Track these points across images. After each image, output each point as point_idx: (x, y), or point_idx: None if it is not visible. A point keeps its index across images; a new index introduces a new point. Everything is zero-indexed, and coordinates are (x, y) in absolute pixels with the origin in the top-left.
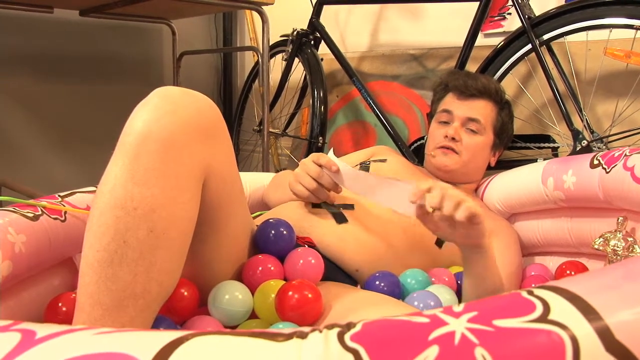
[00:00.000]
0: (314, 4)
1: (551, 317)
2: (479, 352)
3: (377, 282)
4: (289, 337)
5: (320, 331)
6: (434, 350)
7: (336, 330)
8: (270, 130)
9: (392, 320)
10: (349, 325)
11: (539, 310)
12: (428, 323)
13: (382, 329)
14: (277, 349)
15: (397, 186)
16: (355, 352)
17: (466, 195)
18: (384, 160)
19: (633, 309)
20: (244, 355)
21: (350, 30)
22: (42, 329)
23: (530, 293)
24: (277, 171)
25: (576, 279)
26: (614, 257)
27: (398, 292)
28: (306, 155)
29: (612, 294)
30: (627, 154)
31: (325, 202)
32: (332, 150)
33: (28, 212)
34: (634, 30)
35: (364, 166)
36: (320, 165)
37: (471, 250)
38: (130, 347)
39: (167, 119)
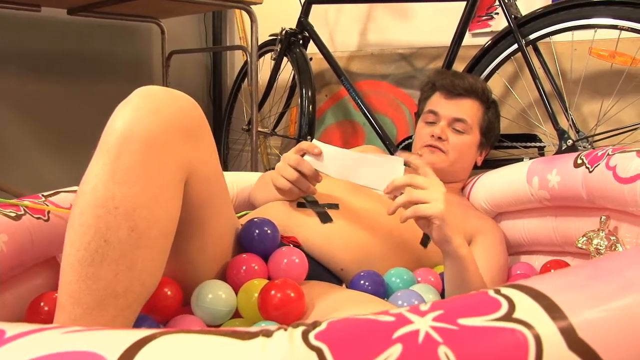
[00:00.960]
0: (302, 3)
1: (516, 315)
2: (442, 350)
3: (362, 282)
4: (254, 335)
5: (286, 329)
6: (397, 348)
7: (301, 328)
8: (259, 129)
9: (357, 319)
10: (315, 324)
11: (504, 308)
12: (393, 322)
13: (347, 327)
14: (243, 347)
15: (378, 163)
16: (318, 351)
17: (441, 195)
18: None
19: (597, 308)
20: (209, 353)
21: (339, 29)
22: (11, 328)
23: (497, 292)
24: (266, 170)
25: (544, 277)
26: (597, 255)
27: (383, 291)
28: None
29: (577, 292)
30: (610, 153)
31: (310, 201)
32: (315, 139)
33: (10, 212)
34: (618, 31)
35: None
36: (302, 154)
37: (443, 254)
38: (98, 345)
39: (149, 118)
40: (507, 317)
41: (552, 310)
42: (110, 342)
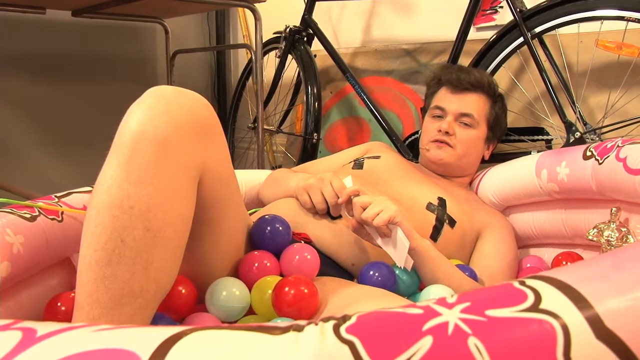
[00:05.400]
0: (306, 0)
1: (542, 306)
2: (472, 341)
3: (371, 272)
4: (285, 330)
5: (317, 324)
6: (427, 340)
7: (332, 322)
8: (265, 127)
9: (386, 312)
10: (345, 318)
11: (531, 299)
12: (422, 314)
13: (376, 320)
14: (275, 341)
15: (394, 237)
16: (350, 344)
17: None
18: (377, 157)
19: (621, 297)
20: (242, 349)
21: (343, 26)
22: (42, 327)
23: (522, 283)
24: (272, 168)
25: (567, 269)
26: (608, 247)
27: (392, 281)
28: (302, 152)
29: (601, 283)
30: (620, 145)
31: None
32: (349, 177)
33: (25, 213)
34: (625, 22)
35: (358, 163)
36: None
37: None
38: (130, 343)
39: (162, 118)
40: (534, 307)
41: (578, 300)
42: (142, 340)
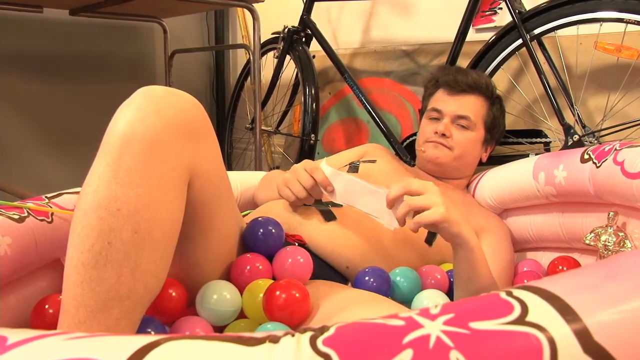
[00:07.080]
0: (304, 1)
1: (529, 318)
2: (454, 355)
3: (366, 278)
4: (261, 341)
5: (293, 335)
6: (407, 354)
7: (309, 334)
8: (263, 128)
9: (366, 324)
10: (322, 329)
11: (517, 311)
12: (403, 326)
13: (355, 332)
14: (248, 353)
15: (378, 194)
16: (327, 357)
17: (438, 197)
18: (373, 161)
19: (612, 309)
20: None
21: (341, 27)
22: (14, 335)
23: (509, 294)
24: (270, 169)
25: (556, 279)
26: (605, 252)
27: (387, 287)
28: (299, 153)
29: (591, 293)
30: (617, 148)
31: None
32: (324, 161)
33: (14, 214)
34: (625, 24)
35: (353, 166)
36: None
37: (453, 247)
38: (101, 352)
39: (151, 119)
40: (520, 320)
41: (566, 312)
42: (114, 349)
